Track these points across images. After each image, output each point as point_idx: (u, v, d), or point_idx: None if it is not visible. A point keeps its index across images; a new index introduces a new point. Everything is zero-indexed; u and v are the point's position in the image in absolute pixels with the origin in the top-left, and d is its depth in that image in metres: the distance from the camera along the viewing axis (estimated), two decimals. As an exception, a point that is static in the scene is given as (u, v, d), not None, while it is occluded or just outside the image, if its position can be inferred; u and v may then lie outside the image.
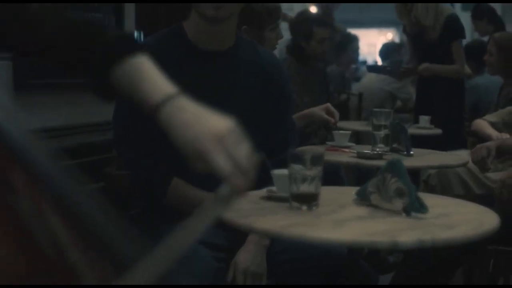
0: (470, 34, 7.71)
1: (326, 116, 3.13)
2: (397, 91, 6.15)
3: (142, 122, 1.99)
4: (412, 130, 4.34)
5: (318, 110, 3.16)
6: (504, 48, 4.26)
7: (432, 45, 4.96)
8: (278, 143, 2.35)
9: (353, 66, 8.11)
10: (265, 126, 2.32)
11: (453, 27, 4.93)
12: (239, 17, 2.40)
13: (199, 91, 1.39)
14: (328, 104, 3.18)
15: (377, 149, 2.86)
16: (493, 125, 3.70)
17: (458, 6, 24.49)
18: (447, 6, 5.14)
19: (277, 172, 1.88)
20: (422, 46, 5.08)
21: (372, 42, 55.99)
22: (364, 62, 10.79)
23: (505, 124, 3.69)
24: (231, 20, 2.26)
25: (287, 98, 2.45)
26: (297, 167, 1.74)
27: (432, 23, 4.91)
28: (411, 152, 2.87)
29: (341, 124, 4.72)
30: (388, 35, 45.50)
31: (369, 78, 6.36)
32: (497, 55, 4.27)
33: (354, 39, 7.45)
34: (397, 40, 40.76)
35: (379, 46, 33.90)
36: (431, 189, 3.21)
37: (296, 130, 2.48)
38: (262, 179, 1.46)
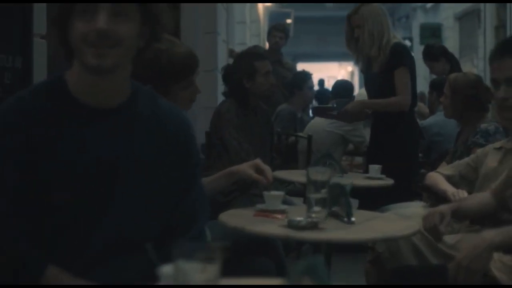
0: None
1: (255, 175, 2.69)
2: (348, 133, 5.75)
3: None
4: (360, 181, 3.95)
5: (247, 168, 2.72)
6: (460, 91, 3.90)
7: (379, 77, 4.57)
8: (183, 218, 1.92)
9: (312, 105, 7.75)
10: (168, 197, 1.88)
11: (396, 55, 4.54)
12: (143, 73, 2.01)
13: (81, 158, 1.03)
14: (258, 161, 2.74)
15: (312, 215, 2.43)
16: (449, 178, 3.31)
17: (416, 39, 24.54)
18: (396, 36, 4.81)
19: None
20: (370, 80, 4.72)
21: (332, 75, 56.56)
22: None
23: (462, 178, 3.30)
24: (121, 70, 1.82)
25: (195, 162, 2.00)
26: (187, 266, 1.30)
27: (377, 54, 4.53)
28: (352, 219, 2.45)
29: (283, 174, 4.33)
30: (348, 68, 45.93)
31: (319, 119, 5.97)
32: (453, 99, 3.91)
33: (310, 77, 7.05)
34: (356, 72, 41.02)
35: (339, 78, 33.92)
36: (377, 259, 2.77)
37: (206, 201, 2.03)
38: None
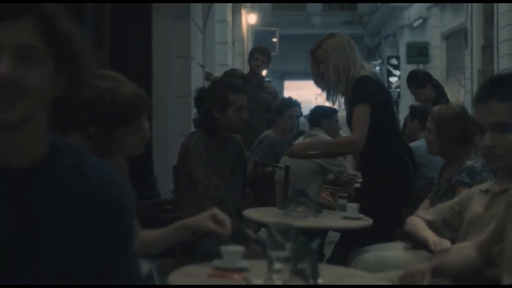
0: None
1: (213, 226, 2.40)
2: (327, 163, 5.46)
3: None
4: (337, 222, 3.67)
5: (203, 220, 2.42)
6: (446, 124, 3.61)
7: (350, 115, 4.23)
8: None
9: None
10: (93, 267, 1.58)
11: (356, 91, 4.09)
12: (82, 116, 1.71)
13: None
14: (215, 210, 2.44)
15: (274, 276, 2.14)
16: (431, 224, 3.03)
17: (403, 58, 24.36)
18: (366, 67, 4.29)
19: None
20: (347, 117, 4.39)
21: (319, 93, 55.80)
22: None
23: (445, 223, 3.02)
24: (34, 124, 1.51)
25: (126, 226, 1.69)
26: None
27: (345, 90, 4.15)
28: (319, 281, 2.16)
29: (254, 213, 4.04)
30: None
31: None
32: (437, 133, 3.63)
33: (293, 105, 6.67)
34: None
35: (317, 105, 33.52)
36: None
37: (139, 272, 1.71)
38: None
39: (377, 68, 30.57)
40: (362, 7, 36.86)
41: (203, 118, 4.08)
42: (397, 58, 27.11)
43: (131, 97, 2.31)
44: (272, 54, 21.34)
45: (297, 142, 5.62)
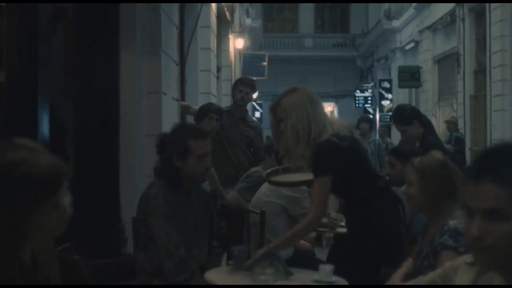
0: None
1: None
2: (289, 204, 5.12)
3: None
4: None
5: None
6: (428, 176, 3.27)
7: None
8: None
9: None
10: None
11: (315, 161, 3.68)
12: None
13: None
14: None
15: None
16: (410, 300, 2.67)
17: (396, 81, 24.13)
18: (334, 123, 3.84)
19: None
20: None
21: (313, 114, 54.68)
22: None
23: (427, 300, 2.66)
24: None
25: None
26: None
27: (303, 152, 3.73)
28: None
29: (213, 274, 3.67)
30: (328, 108, 45.67)
31: (261, 188, 5.34)
32: (419, 187, 3.28)
33: None
34: (336, 112, 40.82)
35: None
36: None
37: None
38: None
39: (369, 91, 30.37)
40: (355, 29, 36.69)
41: (163, 166, 3.75)
42: (389, 81, 26.87)
43: (48, 170, 1.93)
44: (262, 78, 21.15)
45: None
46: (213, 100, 9.99)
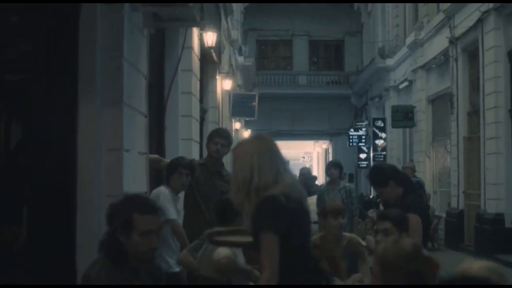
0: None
1: None
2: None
3: None
4: None
5: None
6: (391, 269, 2.86)
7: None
8: None
9: None
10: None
11: (258, 215, 3.39)
12: None
13: None
14: None
15: None
16: None
17: (389, 120, 23.80)
18: (286, 179, 3.52)
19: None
20: None
21: (308, 151, 56.27)
22: None
23: None
24: None
25: None
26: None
27: (241, 201, 3.50)
28: None
29: None
30: (323, 146, 45.45)
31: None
32: (382, 278, 2.87)
33: None
34: (330, 150, 40.59)
35: (314, 155, 33.77)
36: None
37: None
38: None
39: (364, 129, 30.04)
40: (349, 67, 36.51)
41: (107, 240, 3.32)
42: (383, 120, 26.55)
43: None
44: (251, 118, 20.74)
45: None
46: (196, 146, 9.60)
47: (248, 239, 3.61)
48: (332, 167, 10.40)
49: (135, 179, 5.29)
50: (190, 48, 9.61)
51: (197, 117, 10.16)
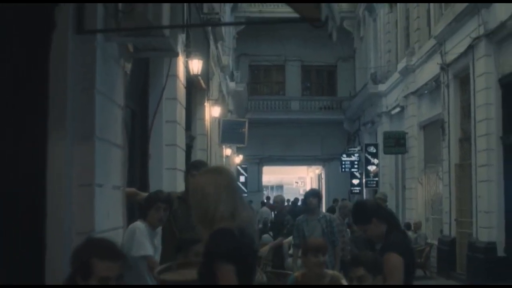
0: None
1: None
2: None
3: None
4: None
5: None
6: None
7: None
8: None
9: None
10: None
11: (212, 245, 3.38)
12: None
13: None
14: None
15: None
16: None
17: (381, 146, 23.69)
18: (241, 216, 3.54)
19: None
20: None
21: (301, 176, 56.18)
22: None
23: None
24: None
25: None
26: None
27: (201, 233, 3.53)
28: None
29: None
30: (316, 171, 45.34)
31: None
32: None
33: None
34: (323, 176, 40.45)
35: (308, 180, 33.69)
36: None
37: None
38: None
39: (356, 155, 29.90)
40: (342, 92, 36.46)
41: (66, 283, 3.15)
42: (376, 146, 26.42)
43: None
44: (241, 145, 20.55)
45: None
46: (181, 176, 9.42)
47: (194, 275, 3.60)
48: (311, 196, 9.91)
49: (109, 215, 5.10)
50: (175, 76, 9.46)
51: (182, 146, 9.98)
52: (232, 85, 25.39)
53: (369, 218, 4.82)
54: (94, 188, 4.74)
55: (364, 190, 28.31)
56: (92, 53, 4.80)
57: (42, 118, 4.62)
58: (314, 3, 3.52)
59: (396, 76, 23.29)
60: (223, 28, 19.40)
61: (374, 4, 27.78)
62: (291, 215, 12.24)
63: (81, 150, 4.72)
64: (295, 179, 54.58)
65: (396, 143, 21.61)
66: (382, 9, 26.75)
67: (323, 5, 3.64)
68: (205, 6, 13.14)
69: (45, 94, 4.62)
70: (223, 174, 3.61)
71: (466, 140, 16.17)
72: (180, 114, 9.87)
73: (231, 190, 3.54)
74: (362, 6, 31.35)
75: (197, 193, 3.51)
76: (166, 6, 4.98)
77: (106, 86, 5.07)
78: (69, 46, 4.69)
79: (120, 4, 4.93)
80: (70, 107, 4.69)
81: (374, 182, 26.49)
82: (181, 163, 9.81)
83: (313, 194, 10.05)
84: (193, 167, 6.47)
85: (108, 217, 5.11)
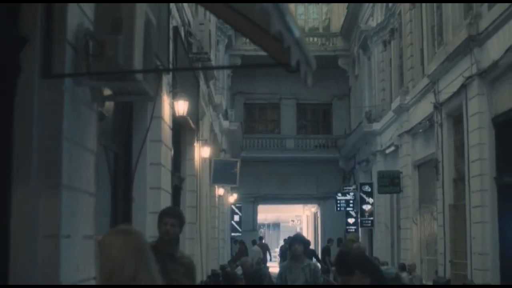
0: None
1: None
2: None
3: None
4: None
5: None
6: None
7: None
8: None
9: None
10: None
11: None
12: None
13: None
14: None
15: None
16: None
17: (376, 186, 23.46)
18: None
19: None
20: None
21: (298, 214, 55.95)
22: None
23: None
24: None
25: None
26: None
27: None
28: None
29: None
30: (312, 209, 45.10)
31: None
32: None
33: None
34: (319, 214, 40.31)
35: (304, 218, 33.46)
36: None
37: None
38: None
39: (351, 194, 29.66)
40: (337, 130, 36.35)
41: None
42: (370, 185, 26.20)
43: None
44: (233, 185, 20.32)
45: None
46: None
47: None
48: (296, 243, 9.45)
49: (78, 267, 4.86)
50: (160, 117, 9.30)
51: (167, 189, 9.77)
52: (225, 124, 25.26)
53: (352, 269, 4.58)
54: (60, 240, 4.52)
55: (360, 229, 28.01)
56: (60, 98, 4.61)
57: (6, 167, 4.41)
58: (285, 48, 3.33)
59: (390, 114, 23.18)
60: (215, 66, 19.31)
61: (369, 42, 27.77)
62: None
63: (47, 200, 4.50)
64: (292, 217, 54.24)
65: (390, 183, 21.41)
66: (376, 47, 26.73)
67: (293, 49, 3.45)
68: (194, 46, 13.03)
69: (9, 141, 4.42)
70: (132, 235, 3.50)
71: (460, 180, 15.96)
72: (165, 156, 9.68)
73: (139, 253, 3.42)
74: (356, 44, 31.37)
75: (104, 256, 3.39)
76: (138, 50, 4.80)
77: (76, 132, 4.87)
78: (35, 91, 4.50)
79: (90, 47, 4.75)
80: (36, 155, 4.48)
81: (369, 221, 26.22)
82: (166, 203, 9.59)
83: (298, 241, 9.61)
84: (164, 214, 6.24)
85: (78, 269, 4.88)
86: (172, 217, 6.10)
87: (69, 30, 4.68)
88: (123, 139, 8.67)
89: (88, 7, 5.05)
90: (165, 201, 9.54)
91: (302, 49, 3.67)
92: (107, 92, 5.44)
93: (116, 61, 4.64)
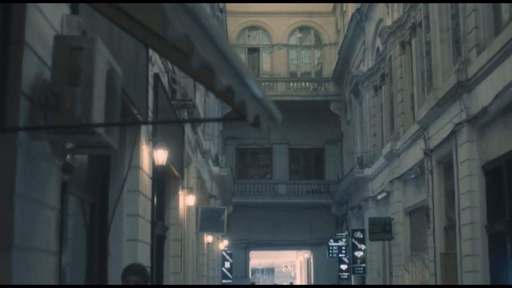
0: None
1: None
2: None
3: None
4: None
5: None
6: None
7: None
8: None
9: None
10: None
11: None
12: None
13: None
14: None
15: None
16: None
17: (367, 233, 23.06)
18: None
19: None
20: None
21: (291, 260, 55.21)
22: None
23: None
24: None
25: None
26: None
27: None
28: None
29: None
30: (305, 255, 44.47)
31: None
32: None
33: None
34: (312, 260, 39.70)
35: (297, 263, 32.84)
36: None
37: None
38: None
39: (344, 240, 29.25)
40: (330, 175, 36.06)
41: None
42: (362, 231, 25.85)
43: None
44: (221, 234, 19.93)
45: None
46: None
47: None
48: None
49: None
50: (138, 167, 9.03)
51: (146, 241, 9.45)
52: (216, 169, 24.97)
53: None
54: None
55: (352, 276, 27.58)
56: (12, 153, 4.34)
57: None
58: (238, 102, 3.08)
59: (381, 160, 22.96)
60: (204, 112, 19.13)
61: (360, 87, 27.70)
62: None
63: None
64: (285, 263, 53.64)
65: (382, 230, 21.09)
66: (367, 92, 26.64)
67: (251, 103, 3.21)
68: (179, 93, 12.82)
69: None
70: None
71: (451, 228, 15.67)
72: (144, 206, 9.38)
73: None
74: (348, 89, 31.31)
75: None
76: (98, 102, 4.55)
77: (31, 188, 4.60)
78: (-14, 146, 4.24)
79: (47, 99, 4.51)
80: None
81: (362, 268, 25.81)
82: (145, 259, 9.28)
83: None
84: (126, 272, 5.91)
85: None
86: (135, 275, 5.78)
87: (25, 80, 4.43)
88: (99, 190, 8.39)
89: (48, 56, 4.81)
90: (144, 253, 9.23)
91: (264, 103, 3.43)
92: (69, 145, 5.18)
93: (74, 114, 4.39)
